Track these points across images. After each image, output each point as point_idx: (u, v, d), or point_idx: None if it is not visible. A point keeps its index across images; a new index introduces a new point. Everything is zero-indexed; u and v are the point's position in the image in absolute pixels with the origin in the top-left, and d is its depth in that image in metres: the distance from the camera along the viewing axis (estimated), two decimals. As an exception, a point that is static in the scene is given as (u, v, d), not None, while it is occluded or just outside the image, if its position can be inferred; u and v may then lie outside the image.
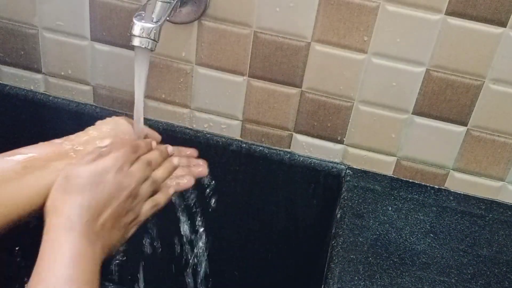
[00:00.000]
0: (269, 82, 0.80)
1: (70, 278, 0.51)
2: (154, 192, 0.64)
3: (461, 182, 0.83)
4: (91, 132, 0.65)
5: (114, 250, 0.60)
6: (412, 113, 0.79)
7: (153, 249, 1.02)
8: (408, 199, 0.81)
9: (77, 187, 0.56)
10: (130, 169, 0.60)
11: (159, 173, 0.65)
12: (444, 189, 0.84)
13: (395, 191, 0.82)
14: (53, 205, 0.55)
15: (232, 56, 0.79)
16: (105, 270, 1.09)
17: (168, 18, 0.70)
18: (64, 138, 0.64)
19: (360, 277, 0.67)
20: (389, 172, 0.85)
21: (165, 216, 0.98)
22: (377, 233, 0.75)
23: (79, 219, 0.54)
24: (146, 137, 0.71)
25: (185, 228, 0.98)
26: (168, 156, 0.69)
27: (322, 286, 0.70)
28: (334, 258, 0.70)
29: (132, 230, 0.62)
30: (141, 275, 0.95)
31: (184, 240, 1.00)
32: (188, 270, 1.04)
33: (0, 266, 1.09)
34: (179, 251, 1.02)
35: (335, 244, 0.72)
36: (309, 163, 0.85)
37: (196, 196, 0.93)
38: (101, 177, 0.57)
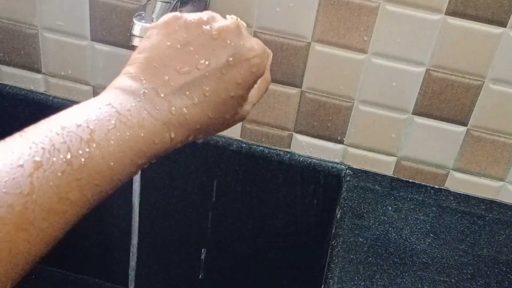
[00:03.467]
0: (269, 82, 0.80)
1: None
2: None
3: (461, 182, 0.83)
4: None
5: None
6: (412, 113, 0.79)
7: (150, 249, 1.02)
8: (408, 199, 0.81)
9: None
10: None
11: None
12: (444, 189, 0.84)
13: (395, 191, 0.82)
14: None
15: (232, 56, 0.79)
16: (100, 267, 1.10)
17: (168, 18, 0.70)
18: None
19: (360, 277, 0.67)
20: (389, 172, 0.85)
21: (164, 215, 0.98)
22: (377, 233, 0.75)
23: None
24: None
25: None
26: None
27: (322, 286, 0.70)
28: (334, 258, 0.70)
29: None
30: (132, 274, 0.95)
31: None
32: (186, 270, 1.04)
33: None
34: (175, 249, 1.02)
35: (335, 244, 0.72)
36: (309, 163, 0.85)
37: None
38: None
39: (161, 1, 0.69)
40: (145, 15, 0.68)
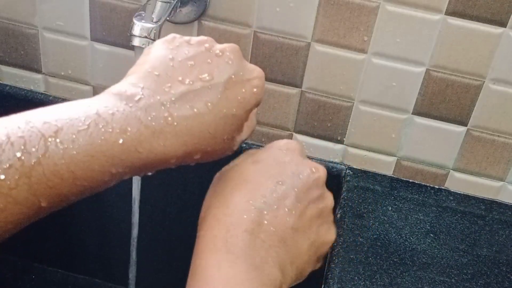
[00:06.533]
0: (269, 82, 0.80)
1: None
2: None
3: (461, 182, 0.83)
4: None
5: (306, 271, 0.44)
6: (412, 113, 0.79)
7: (150, 249, 1.02)
8: (408, 199, 0.81)
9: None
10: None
11: None
12: (444, 189, 0.84)
13: (395, 191, 0.82)
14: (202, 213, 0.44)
15: (232, 56, 0.79)
16: (96, 267, 1.09)
17: (168, 18, 0.70)
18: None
19: (360, 277, 0.67)
20: (389, 172, 0.85)
21: (164, 215, 0.98)
22: (377, 233, 0.75)
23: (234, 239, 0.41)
24: None
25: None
26: None
27: (322, 286, 0.70)
28: (334, 258, 0.70)
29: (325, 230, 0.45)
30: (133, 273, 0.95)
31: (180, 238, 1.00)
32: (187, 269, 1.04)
33: (0, 266, 1.09)
34: (174, 249, 1.02)
35: (335, 244, 0.72)
36: (309, 163, 0.85)
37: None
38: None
39: (161, 1, 0.69)
40: (145, 15, 0.68)
